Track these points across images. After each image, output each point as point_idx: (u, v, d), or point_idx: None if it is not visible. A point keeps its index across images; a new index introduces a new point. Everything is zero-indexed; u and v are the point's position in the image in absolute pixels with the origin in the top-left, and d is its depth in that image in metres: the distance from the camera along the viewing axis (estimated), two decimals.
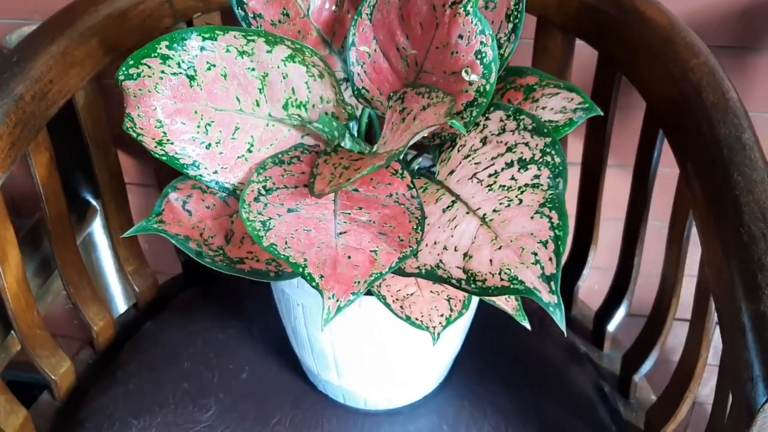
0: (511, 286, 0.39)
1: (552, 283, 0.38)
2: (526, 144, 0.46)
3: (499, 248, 0.41)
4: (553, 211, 0.41)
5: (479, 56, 0.47)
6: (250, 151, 0.52)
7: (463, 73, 0.48)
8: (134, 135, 0.49)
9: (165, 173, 0.93)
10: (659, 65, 0.75)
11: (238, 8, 0.52)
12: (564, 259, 0.40)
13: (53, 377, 0.85)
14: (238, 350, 0.83)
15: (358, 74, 0.54)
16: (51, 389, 0.87)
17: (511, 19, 0.49)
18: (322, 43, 0.57)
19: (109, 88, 0.81)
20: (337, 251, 0.44)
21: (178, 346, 0.85)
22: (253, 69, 0.50)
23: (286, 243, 0.44)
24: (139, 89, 0.48)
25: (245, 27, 0.52)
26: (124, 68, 0.48)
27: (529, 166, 0.45)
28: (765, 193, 0.60)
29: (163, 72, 0.48)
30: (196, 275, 1.00)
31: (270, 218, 0.46)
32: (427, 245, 0.45)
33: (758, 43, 0.97)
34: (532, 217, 0.41)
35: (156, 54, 0.48)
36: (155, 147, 0.49)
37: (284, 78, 0.51)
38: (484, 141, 0.49)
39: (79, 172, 1.11)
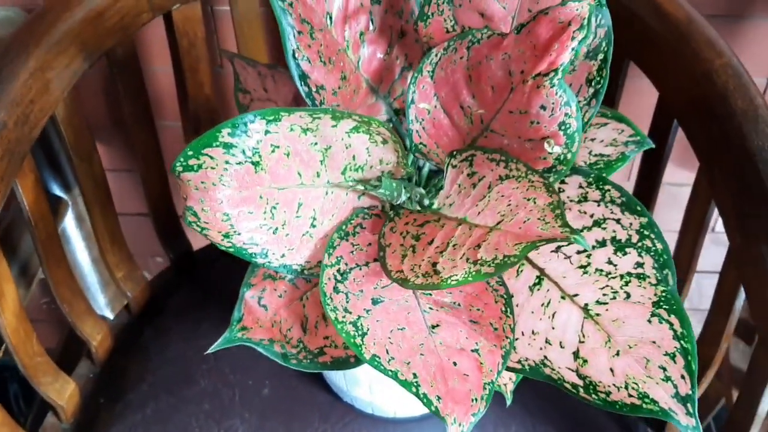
0: (643, 405, 0.39)
1: (689, 404, 0.38)
2: (618, 221, 0.45)
3: (617, 354, 0.41)
4: (673, 316, 0.40)
5: (563, 127, 0.45)
6: (313, 225, 0.49)
7: (546, 145, 0.46)
8: (198, 229, 0.45)
9: (148, 161, 0.88)
10: (678, 63, 0.74)
11: (302, 85, 0.48)
12: None
13: (60, 403, 0.82)
14: (255, 363, 0.82)
15: (417, 131, 0.51)
16: (57, 413, 0.84)
17: (593, 84, 0.46)
18: (371, 92, 0.53)
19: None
20: (441, 358, 0.43)
21: (190, 364, 0.83)
22: (316, 143, 0.47)
23: (387, 352, 0.42)
24: (202, 182, 0.44)
25: (309, 103, 0.48)
26: (182, 159, 0.44)
27: (627, 250, 0.44)
28: None
29: (227, 162, 0.44)
30: (184, 271, 0.97)
31: (359, 317, 0.44)
32: (523, 334, 0.44)
33: (746, 11, 0.96)
34: (649, 320, 0.41)
35: (218, 143, 0.44)
36: (222, 240, 0.45)
37: (347, 148, 0.48)
38: None
39: (46, 166, 1.04)
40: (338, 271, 0.47)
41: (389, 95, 0.54)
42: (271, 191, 0.46)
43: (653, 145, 0.54)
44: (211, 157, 0.44)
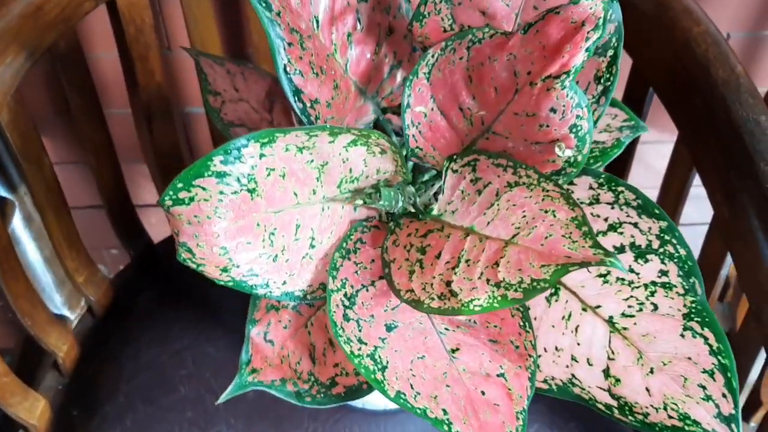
0: (685, 427, 0.37)
1: (733, 425, 0.37)
2: (635, 225, 0.43)
3: (651, 372, 0.39)
4: (707, 329, 0.39)
5: (574, 130, 0.43)
6: (312, 246, 0.46)
7: (557, 149, 0.43)
8: (194, 266, 0.41)
9: (99, 153, 0.83)
10: (656, 33, 0.72)
11: (296, 101, 0.44)
12: None
13: (32, 422, 0.78)
14: (236, 365, 0.79)
15: (413, 135, 0.48)
16: None
17: (602, 81, 0.44)
18: (359, 95, 0.49)
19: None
20: (467, 387, 0.40)
21: (167, 370, 0.79)
22: (312, 161, 0.43)
23: (411, 387, 0.40)
24: (195, 216, 0.40)
25: (305, 120, 0.44)
26: (171, 192, 0.40)
27: (648, 257, 0.42)
28: None
29: (221, 192, 0.40)
30: (147, 267, 0.93)
31: (376, 348, 0.41)
32: (546, 351, 0.43)
33: None
34: (682, 335, 0.39)
35: (210, 173, 0.40)
36: (220, 275, 0.42)
37: (344, 162, 0.44)
38: None
39: None
40: (345, 295, 0.44)
41: (377, 95, 0.51)
42: (267, 216, 0.43)
43: (647, 130, 0.52)
44: (204, 188, 0.40)
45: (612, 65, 0.43)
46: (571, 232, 0.38)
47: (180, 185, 0.40)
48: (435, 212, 0.48)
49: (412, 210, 0.51)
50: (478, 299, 0.39)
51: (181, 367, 0.79)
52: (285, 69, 0.42)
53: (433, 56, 0.45)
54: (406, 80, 0.45)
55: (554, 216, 0.40)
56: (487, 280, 0.40)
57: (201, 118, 1.03)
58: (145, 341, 0.83)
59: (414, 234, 0.47)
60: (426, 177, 0.51)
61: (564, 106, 0.42)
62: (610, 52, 0.43)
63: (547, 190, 0.42)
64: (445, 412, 0.39)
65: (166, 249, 0.97)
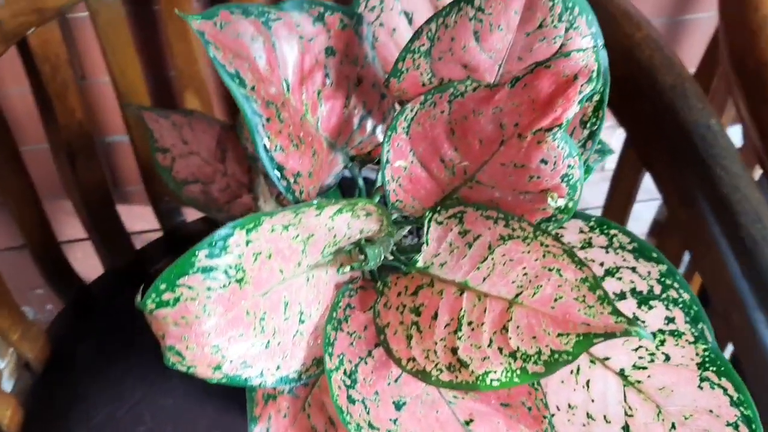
0: None
1: None
2: (634, 270, 0.43)
3: (673, 427, 0.39)
4: (724, 379, 0.38)
5: (565, 179, 0.41)
6: (302, 321, 0.43)
7: (549, 200, 0.42)
8: (183, 369, 0.38)
9: (18, 196, 0.77)
10: None
11: (279, 180, 0.40)
12: None
13: None
14: (200, 413, 0.75)
15: (393, 190, 0.46)
16: None
17: (588, 126, 0.43)
18: (330, 149, 0.46)
19: None
20: None
21: (123, 427, 0.75)
22: (298, 236, 0.40)
23: None
24: (182, 317, 0.37)
25: (290, 198, 0.41)
26: (154, 295, 0.36)
27: (651, 303, 0.42)
28: (751, 187, 0.62)
29: (209, 289, 0.37)
30: (83, 312, 0.88)
31: (395, 428, 0.39)
32: (559, 409, 0.42)
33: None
34: (700, 386, 0.39)
35: (195, 269, 0.36)
36: (213, 374, 0.39)
37: (329, 230, 0.42)
38: None
39: None
40: (345, 373, 0.42)
41: (347, 145, 0.48)
42: (256, 302, 0.40)
43: (614, 152, 0.52)
44: (190, 287, 0.37)
45: (598, 109, 0.41)
46: (584, 296, 0.37)
47: (163, 286, 0.36)
48: (421, 264, 0.46)
49: (392, 260, 0.49)
50: (494, 372, 0.38)
51: (139, 422, 0.75)
52: (265, 147, 0.39)
53: (411, 110, 0.43)
54: (384, 136, 0.43)
55: (560, 275, 0.39)
56: (500, 349, 0.39)
57: (123, 147, 0.97)
58: (95, 397, 0.78)
59: (404, 293, 0.45)
60: (405, 229, 0.49)
61: (555, 157, 0.41)
62: (596, 97, 0.41)
63: (546, 245, 0.40)
64: None
65: (101, 289, 0.92)
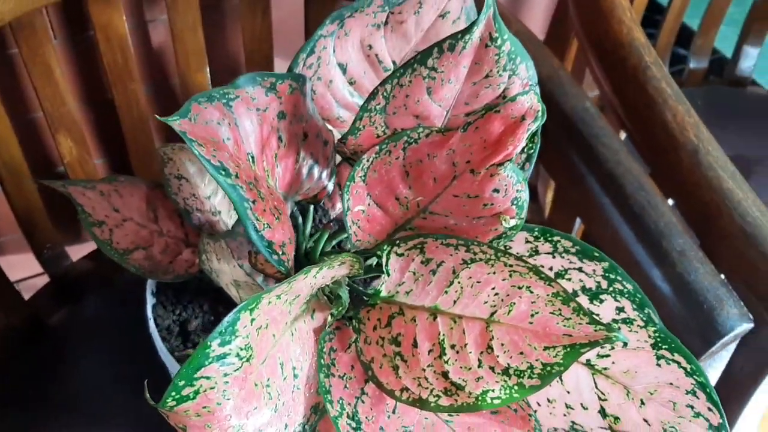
0: None
1: (723, 431, 0.44)
2: (580, 270, 0.48)
3: (642, 403, 0.45)
4: (676, 354, 0.45)
5: (515, 202, 0.46)
6: (296, 376, 0.45)
7: (503, 222, 0.46)
8: None
9: None
10: None
11: (271, 255, 0.41)
12: None
13: None
14: None
15: (354, 232, 0.48)
16: None
17: (526, 150, 0.47)
18: (284, 201, 0.48)
19: None
20: None
21: None
22: (287, 300, 0.42)
23: None
24: (204, 407, 0.38)
25: (282, 269, 0.42)
26: (173, 393, 0.37)
27: (602, 297, 0.47)
28: (630, 159, 0.70)
29: (225, 375, 0.38)
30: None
31: None
32: (540, 405, 0.47)
33: None
34: (658, 364, 0.45)
35: (210, 360, 0.37)
36: None
37: (311, 287, 0.44)
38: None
39: None
40: (349, 417, 0.44)
41: (297, 194, 0.50)
42: (259, 372, 0.41)
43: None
44: (208, 378, 0.38)
45: (533, 136, 0.46)
46: (559, 309, 0.42)
47: (182, 383, 0.37)
48: (384, 294, 0.49)
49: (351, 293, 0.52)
50: (492, 391, 0.42)
51: None
52: (255, 229, 0.40)
53: (368, 160, 0.45)
54: (343, 187, 0.45)
55: (531, 292, 0.43)
56: (491, 368, 0.43)
57: None
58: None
59: (379, 325, 0.48)
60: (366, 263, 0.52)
61: (506, 185, 0.45)
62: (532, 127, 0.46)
63: (511, 265, 0.45)
64: None
65: (55, 322, 0.87)
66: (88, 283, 0.92)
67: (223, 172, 0.38)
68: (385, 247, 0.49)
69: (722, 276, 0.66)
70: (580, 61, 0.98)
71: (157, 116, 0.35)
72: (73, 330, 0.85)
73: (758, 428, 0.74)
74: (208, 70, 0.86)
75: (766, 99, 1.15)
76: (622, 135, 0.88)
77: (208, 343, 0.37)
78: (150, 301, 0.64)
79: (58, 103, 0.81)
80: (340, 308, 0.47)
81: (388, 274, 0.49)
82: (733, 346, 0.67)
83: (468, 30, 0.41)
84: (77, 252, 0.95)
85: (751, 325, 0.63)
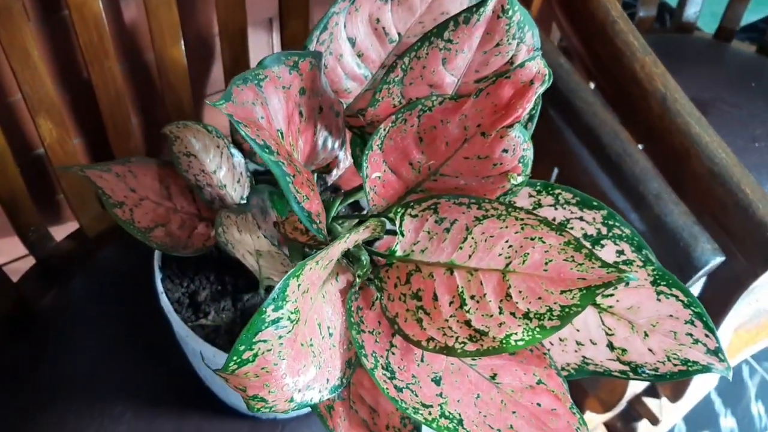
0: (689, 368, 0.48)
1: (720, 354, 0.49)
2: (581, 219, 0.52)
3: (646, 335, 0.50)
4: (674, 288, 0.49)
5: (521, 160, 0.50)
6: (331, 334, 0.48)
7: (510, 180, 0.50)
8: (267, 410, 0.42)
9: None
10: None
11: (312, 225, 0.44)
12: None
13: None
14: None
15: (371, 198, 0.51)
16: None
17: (529, 111, 0.50)
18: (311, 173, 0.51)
19: None
20: (526, 406, 0.47)
21: None
22: (323, 265, 0.45)
23: (491, 427, 0.46)
24: (262, 368, 0.41)
25: (321, 237, 0.45)
26: (235, 357, 0.40)
27: (602, 242, 0.52)
28: (604, 111, 0.74)
29: (280, 337, 0.41)
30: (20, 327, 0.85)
31: (440, 405, 0.46)
32: (552, 344, 0.51)
33: None
34: (658, 299, 0.50)
35: (266, 324, 0.40)
36: (288, 405, 0.43)
37: (341, 251, 0.47)
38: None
39: None
40: (383, 368, 0.48)
41: (312, 164, 0.52)
42: (303, 332, 0.45)
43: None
44: (265, 341, 0.41)
45: (537, 102, 0.49)
46: (572, 256, 0.46)
47: (242, 348, 0.40)
48: (400, 253, 0.53)
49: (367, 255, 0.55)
50: (515, 334, 0.46)
51: None
52: (297, 201, 0.42)
53: (384, 129, 0.48)
54: (362, 155, 0.48)
55: (543, 242, 0.47)
56: (512, 314, 0.47)
57: None
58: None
59: (399, 283, 0.52)
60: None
61: (514, 145, 0.48)
62: None
63: (522, 219, 0.49)
64: None
65: (49, 307, 0.87)
66: (74, 263, 0.92)
67: (267, 150, 0.41)
68: (398, 210, 0.52)
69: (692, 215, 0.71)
70: (545, 12, 1.01)
71: (207, 101, 0.37)
72: (65, 310, 0.86)
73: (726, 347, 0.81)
74: (182, 44, 0.86)
75: (711, 44, 1.21)
76: (591, 85, 0.93)
77: (264, 309, 0.40)
78: (158, 275, 0.66)
79: (37, 85, 0.81)
80: (365, 269, 0.50)
81: (402, 235, 0.52)
82: (703, 279, 0.73)
83: (482, 3, 0.44)
84: (58, 233, 0.96)
85: (723, 258, 0.68)
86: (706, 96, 1.09)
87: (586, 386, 0.89)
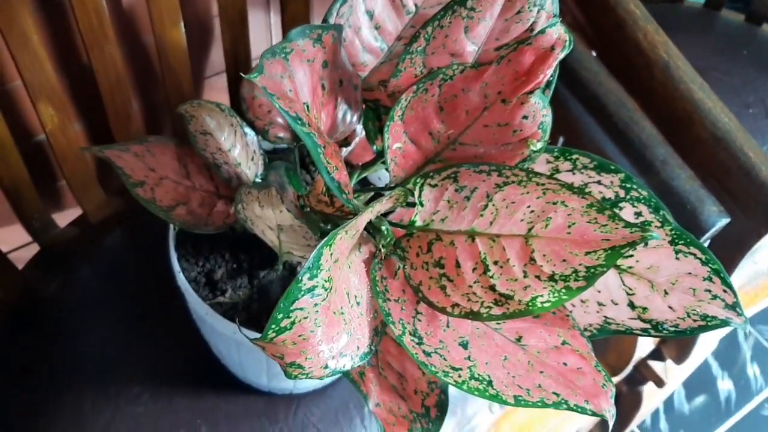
0: (708, 323, 0.50)
1: (737, 308, 0.50)
2: (599, 183, 0.53)
3: (666, 293, 0.51)
4: (692, 247, 0.50)
5: (541, 126, 0.50)
6: (358, 303, 0.49)
7: (530, 146, 0.51)
8: (303, 377, 0.43)
9: None
10: None
11: (342, 195, 0.44)
12: None
13: None
14: (173, 413, 0.78)
15: (392, 169, 0.52)
16: None
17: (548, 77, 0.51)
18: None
19: None
20: (553, 366, 0.48)
21: None
22: (351, 235, 0.46)
23: (520, 387, 0.47)
24: (299, 336, 0.42)
25: (349, 206, 0.45)
26: (273, 326, 0.40)
27: (621, 205, 0.53)
28: (610, 80, 0.75)
29: (315, 305, 0.42)
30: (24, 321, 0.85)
31: (470, 368, 0.47)
32: (574, 306, 0.52)
33: None
34: (677, 258, 0.51)
35: (302, 292, 0.41)
36: (323, 371, 0.44)
37: (367, 221, 0.48)
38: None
39: None
40: (411, 334, 0.49)
41: (331, 137, 0.53)
42: (334, 301, 0.45)
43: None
44: (301, 309, 0.41)
45: (555, 70, 0.50)
46: (595, 218, 0.47)
47: (280, 316, 0.41)
48: (420, 223, 0.54)
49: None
50: (541, 296, 0.47)
51: None
52: (328, 171, 0.43)
53: (406, 100, 0.48)
54: (383, 127, 0.49)
55: (565, 206, 0.48)
56: (537, 277, 0.48)
57: None
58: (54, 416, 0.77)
59: (420, 252, 0.52)
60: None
61: (534, 111, 0.49)
62: None
63: (543, 184, 0.49)
64: (557, 395, 0.47)
65: (49, 299, 0.87)
66: (79, 249, 0.92)
67: (299, 122, 0.41)
68: (417, 180, 0.53)
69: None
70: None
71: (243, 74, 0.37)
72: (72, 296, 0.87)
73: None
74: (182, 26, 0.86)
75: (702, 12, 1.22)
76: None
77: (300, 278, 0.41)
78: (174, 255, 0.66)
79: (37, 71, 0.80)
80: (389, 239, 0.51)
81: (422, 205, 0.53)
82: (708, 241, 0.74)
83: None
84: (61, 219, 0.95)
85: (728, 220, 0.70)
86: (699, 64, 1.10)
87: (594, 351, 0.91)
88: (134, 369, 0.80)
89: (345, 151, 0.66)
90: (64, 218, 0.96)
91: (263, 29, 1.02)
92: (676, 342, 0.88)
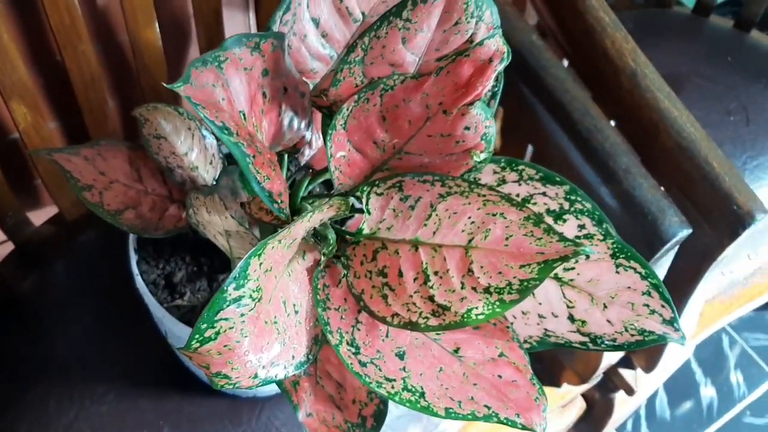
0: (645, 338, 0.49)
1: (674, 324, 0.50)
2: (544, 194, 0.53)
3: (605, 307, 0.51)
4: (632, 261, 0.50)
5: (484, 137, 0.50)
6: (296, 312, 0.49)
7: (473, 157, 0.51)
8: (230, 387, 0.43)
9: None
10: None
11: (273, 205, 0.44)
12: None
13: None
14: (138, 412, 0.78)
15: (337, 177, 0.52)
16: None
17: (491, 89, 0.51)
18: (274, 154, 0.51)
19: None
20: (487, 378, 0.48)
21: None
22: (286, 244, 0.46)
23: (452, 399, 0.47)
24: (225, 346, 0.42)
25: (282, 216, 0.45)
26: (196, 335, 0.41)
27: (564, 217, 0.52)
28: (576, 87, 0.75)
29: (242, 315, 0.42)
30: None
31: (403, 379, 0.47)
32: (515, 317, 0.52)
33: None
34: (617, 272, 0.51)
35: (228, 302, 0.41)
36: (252, 381, 0.44)
37: (305, 230, 0.48)
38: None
39: None
40: (348, 343, 0.49)
41: (278, 145, 0.53)
42: (267, 310, 0.45)
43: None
44: (227, 319, 0.41)
45: (498, 75, 0.50)
46: (531, 231, 0.47)
47: (204, 326, 0.41)
48: (367, 231, 0.54)
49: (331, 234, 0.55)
50: (476, 308, 0.47)
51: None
52: (258, 182, 0.43)
53: (347, 109, 0.48)
54: (326, 135, 0.49)
55: (504, 218, 0.48)
56: (473, 288, 0.48)
57: None
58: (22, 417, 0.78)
59: (365, 261, 0.52)
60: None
61: (476, 123, 0.49)
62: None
63: (484, 195, 0.49)
64: (488, 407, 0.47)
65: (30, 294, 0.88)
66: (54, 248, 0.93)
67: (226, 132, 0.41)
68: (364, 188, 0.53)
69: (662, 188, 0.72)
70: None
71: (164, 84, 0.37)
72: (45, 294, 0.87)
73: (699, 317, 0.82)
74: (157, 25, 0.86)
75: (690, 18, 1.21)
76: (564, 62, 0.93)
77: (225, 288, 0.41)
78: (133, 257, 0.66)
79: (8, 69, 0.80)
80: (331, 247, 0.51)
81: (369, 213, 0.53)
82: (673, 252, 0.74)
83: None
84: (37, 218, 0.96)
85: (690, 231, 0.69)
86: (683, 70, 1.10)
87: (562, 359, 0.91)
88: (101, 369, 0.80)
89: (308, 155, 0.66)
90: (42, 216, 0.97)
91: (242, 29, 1.02)
92: (645, 350, 0.88)
